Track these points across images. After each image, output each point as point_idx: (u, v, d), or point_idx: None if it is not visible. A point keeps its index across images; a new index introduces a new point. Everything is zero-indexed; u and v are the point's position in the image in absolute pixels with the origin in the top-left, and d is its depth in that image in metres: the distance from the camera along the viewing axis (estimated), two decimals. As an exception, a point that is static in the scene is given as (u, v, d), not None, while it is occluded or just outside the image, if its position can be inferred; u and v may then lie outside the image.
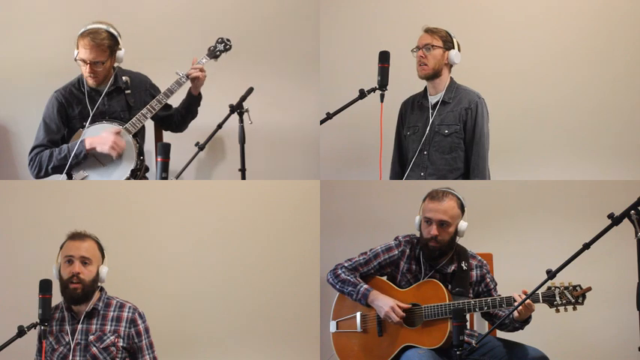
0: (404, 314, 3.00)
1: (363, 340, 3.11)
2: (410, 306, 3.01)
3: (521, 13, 4.03)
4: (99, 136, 3.35)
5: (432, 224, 3.00)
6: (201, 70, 3.48)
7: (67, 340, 2.81)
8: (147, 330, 2.89)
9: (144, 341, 2.87)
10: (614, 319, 3.58)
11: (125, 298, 2.93)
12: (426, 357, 2.88)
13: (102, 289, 2.89)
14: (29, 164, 3.40)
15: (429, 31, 3.40)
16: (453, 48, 3.39)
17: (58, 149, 3.36)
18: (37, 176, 3.39)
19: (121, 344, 2.82)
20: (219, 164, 4.05)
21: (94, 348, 2.79)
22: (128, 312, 2.86)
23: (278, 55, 4.03)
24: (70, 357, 2.79)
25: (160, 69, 3.65)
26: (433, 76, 3.40)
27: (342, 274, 3.13)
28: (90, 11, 3.44)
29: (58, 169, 3.35)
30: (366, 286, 3.08)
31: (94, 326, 2.83)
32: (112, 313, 2.85)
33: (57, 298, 2.78)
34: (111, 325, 2.83)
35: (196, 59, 3.51)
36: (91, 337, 2.81)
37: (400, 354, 2.99)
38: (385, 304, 3.02)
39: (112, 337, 2.81)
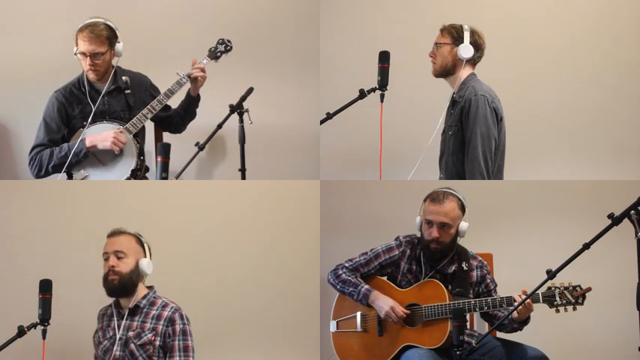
0: (404, 315, 3.00)
1: (363, 340, 3.11)
2: (409, 312, 3.01)
3: (522, 14, 4.02)
4: (100, 134, 3.36)
5: (433, 226, 2.99)
6: (202, 70, 3.48)
7: (111, 334, 2.85)
8: (184, 332, 2.84)
9: (176, 342, 2.82)
10: (614, 319, 3.58)
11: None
12: (426, 357, 2.88)
13: (151, 288, 2.92)
14: (29, 164, 3.40)
15: (441, 29, 3.30)
16: (463, 42, 3.24)
17: (58, 148, 3.36)
18: (38, 176, 3.38)
19: (158, 343, 2.82)
20: (220, 164, 4.05)
21: (132, 344, 2.81)
22: (169, 311, 2.86)
23: (278, 55, 4.03)
24: (112, 351, 2.81)
25: (160, 70, 3.65)
26: (443, 73, 3.30)
27: (343, 275, 3.13)
28: (90, 11, 3.43)
29: (58, 168, 3.35)
30: (366, 286, 3.08)
31: (135, 323, 2.84)
32: (154, 312, 2.86)
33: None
34: (151, 323, 2.84)
35: (196, 60, 3.51)
36: (131, 334, 2.82)
37: (400, 354, 2.99)
38: (385, 304, 3.02)
39: (149, 335, 2.82)
